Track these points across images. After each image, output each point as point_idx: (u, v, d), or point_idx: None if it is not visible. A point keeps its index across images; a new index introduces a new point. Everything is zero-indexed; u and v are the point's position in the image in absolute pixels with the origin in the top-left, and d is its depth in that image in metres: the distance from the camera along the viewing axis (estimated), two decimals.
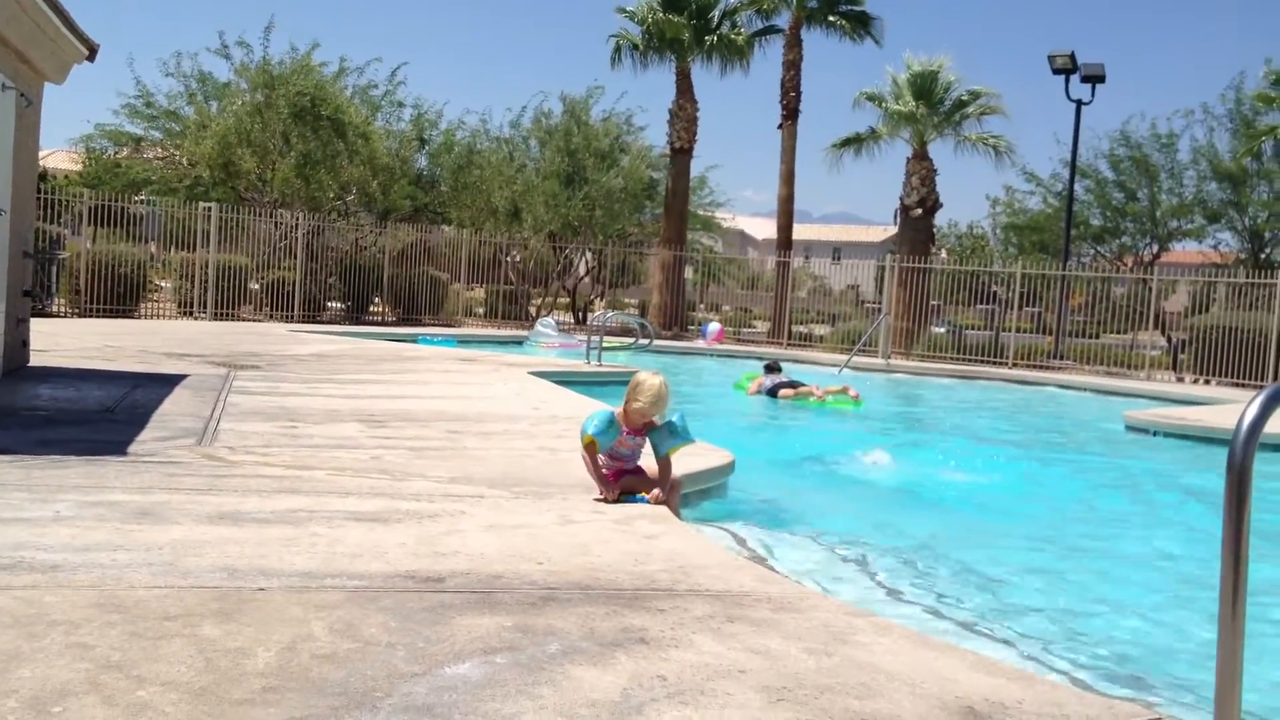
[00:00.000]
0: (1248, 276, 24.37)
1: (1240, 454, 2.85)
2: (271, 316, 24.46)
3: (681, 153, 29.63)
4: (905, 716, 3.01)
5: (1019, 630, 5.18)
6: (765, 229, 67.09)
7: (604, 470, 5.93)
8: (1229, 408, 14.95)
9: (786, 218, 30.20)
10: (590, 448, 5.86)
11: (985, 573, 6.33)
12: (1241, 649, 2.81)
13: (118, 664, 3.03)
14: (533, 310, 30.22)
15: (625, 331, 23.96)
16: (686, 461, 7.11)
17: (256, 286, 25.08)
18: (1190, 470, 11.24)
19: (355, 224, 28.33)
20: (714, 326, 26.51)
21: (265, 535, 4.63)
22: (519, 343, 23.16)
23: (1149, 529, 8.25)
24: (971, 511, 8.50)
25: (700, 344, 25.69)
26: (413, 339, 20.85)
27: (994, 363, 24.69)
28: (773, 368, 16.74)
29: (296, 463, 6.44)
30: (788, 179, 29.78)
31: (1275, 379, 21.62)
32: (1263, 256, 28.73)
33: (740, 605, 4.03)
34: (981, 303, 30.93)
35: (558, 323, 26.57)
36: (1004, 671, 3.56)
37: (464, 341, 21.67)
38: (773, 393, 15.71)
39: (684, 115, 29.49)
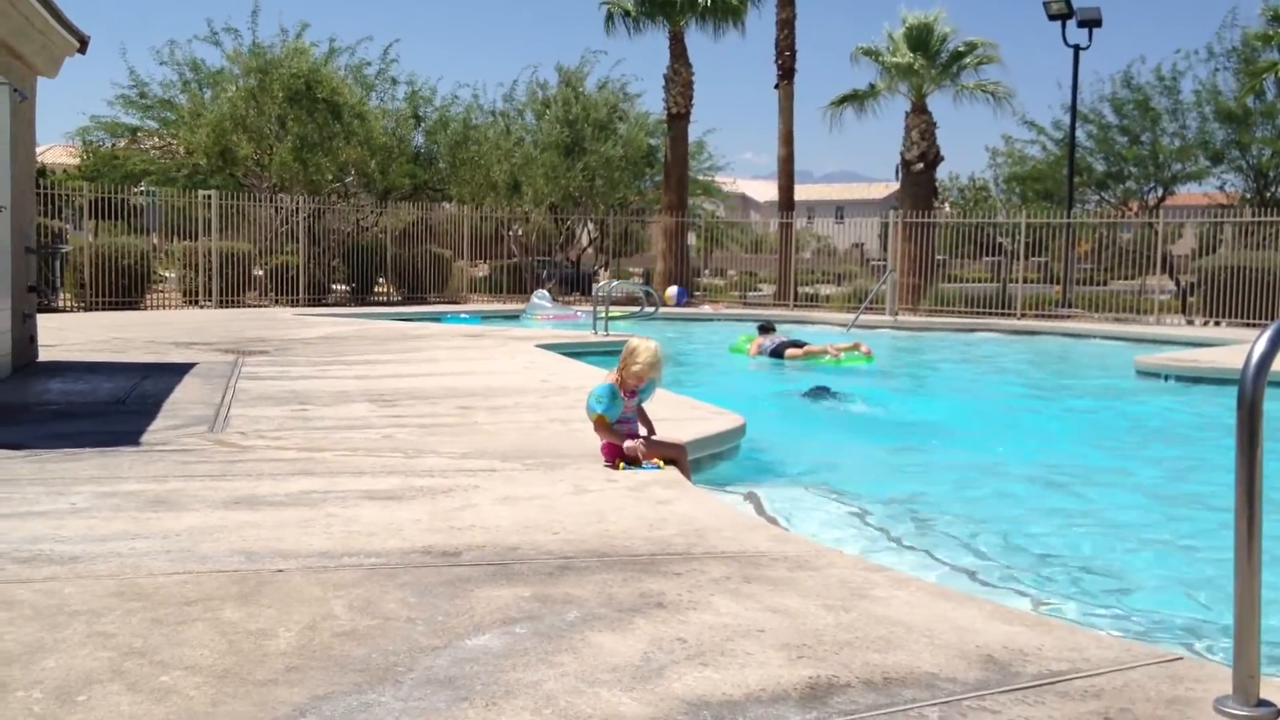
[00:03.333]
0: (1254, 215, 24.23)
1: (1250, 389, 2.83)
2: (277, 301, 24.48)
3: (679, 118, 29.45)
4: (925, 667, 3.02)
5: (1037, 578, 5.19)
6: (767, 191, 66.84)
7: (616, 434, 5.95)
8: (1239, 348, 14.90)
9: (787, 178, 30.06)
10: (601, 423, 5.89)
11: (1003, 523, 6.34)
12: (1259, 588, 2.80)
13: (140, 650, 3.05)
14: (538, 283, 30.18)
15: (631, 300, 23.93)
16: (698, 426, 7.12)
17: (260, 272, 25.07)
18: (1203, 411, 11.22)
19: (355, 205, 28.27)
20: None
21: (281, 518, 4.65)
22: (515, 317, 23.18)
23: (1164, 472, 8.25)
24: (986, 463, 8.51)
25: (707, 309, 25.67)
26: (423, 317, 20.86)
27: (1002, 314, 24.62)
28: (766, 328, 16.73)
29: (309, 445, 6.46)
30: (786, 139, 29.62)
31: None
32: (1268, 195, 28.53)
33: (757, 565, 4.04)
34: (987, 255, 30.80)
35: (552, 294, 26.60)
36: (1022, 619, 3.57)
37: (487, 317, 21.75)
38: (777, 353, 15.68)
39: (679, 80, 29.28)
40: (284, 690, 2.79)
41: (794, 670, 2.98)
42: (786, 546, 4.39)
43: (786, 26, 29.46)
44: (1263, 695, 2.78)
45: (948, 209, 38.58)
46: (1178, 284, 27.27)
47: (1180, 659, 3.23)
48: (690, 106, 29.55)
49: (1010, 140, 33.86)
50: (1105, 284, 28.42)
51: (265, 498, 5.03)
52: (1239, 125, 28.49)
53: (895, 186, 34.92)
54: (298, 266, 24.82)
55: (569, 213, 30.82)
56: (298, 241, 25.00)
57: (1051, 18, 26.32)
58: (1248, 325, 21.49)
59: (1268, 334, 2.89)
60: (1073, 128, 27.34)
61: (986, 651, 3.15)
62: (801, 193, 41.79)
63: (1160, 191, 30.82)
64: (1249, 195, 29.08)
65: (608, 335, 15.76)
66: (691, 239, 32.23)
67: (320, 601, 3.51)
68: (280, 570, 3.86)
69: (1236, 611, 2.81)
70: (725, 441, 7.29)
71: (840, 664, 3.03)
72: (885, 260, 26.99)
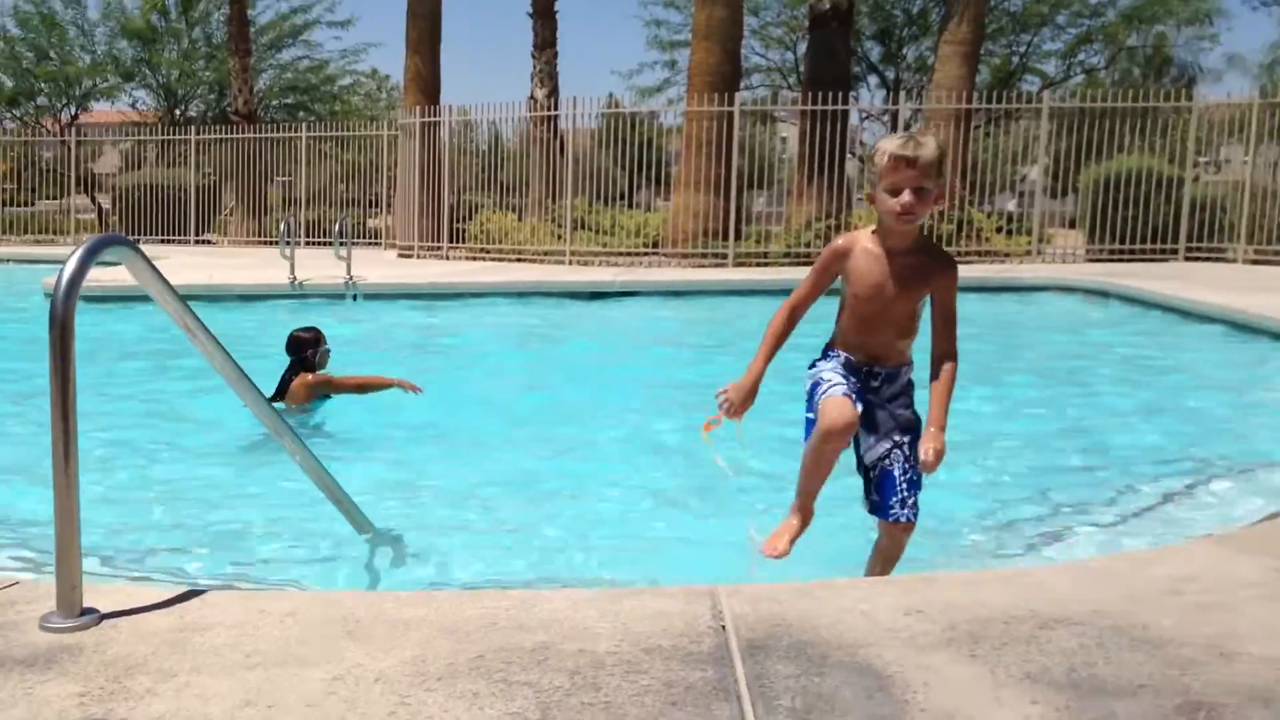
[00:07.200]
0: (165, 134, 24.96)
1: (61, 308, 2.87)
2: None
3: None
4: None
5: None
6: None
7: None
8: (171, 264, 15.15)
9: None
10: None
11: None
12: (77, 501, 2.87)
13: None
14: None
15: None
16: None
17: None
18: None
19: None
20: None
21: None
22: None
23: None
24: None
25: None
26: None
27: None
28: None
29: None
30: None
31: (197, 232, 22.56)
32: (178, 113, 29.64)
33: None
34: None
35: None
36: None
37: None
38: None
39: None
40: None
41: None
42: None
43: None
44: (87, 603, 2.88)
45: None
46: (96, 203, 27.16)
47: (17, 583, 3.21)
48: None
49: None
50: (32, 205, 27.17)
51: None
52: (148, 44, 29.05)
53: None
54: None
55: None
56: None
57: None
58: (165, 241, 21.94)
59: (76, 256, 2.94)
60: None
61: None
62: None
63: (74, 109, 30.27)
64: (161, 114, 29.92)
65: None
66: None
67: None
68: None
69: (57, 526, 2.86)
70: None
71: None
72: None
